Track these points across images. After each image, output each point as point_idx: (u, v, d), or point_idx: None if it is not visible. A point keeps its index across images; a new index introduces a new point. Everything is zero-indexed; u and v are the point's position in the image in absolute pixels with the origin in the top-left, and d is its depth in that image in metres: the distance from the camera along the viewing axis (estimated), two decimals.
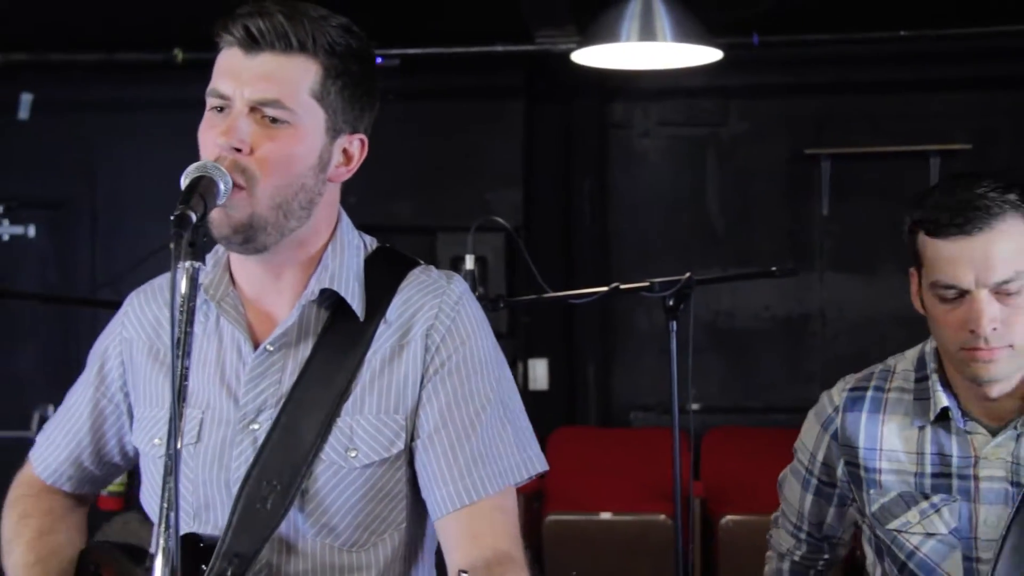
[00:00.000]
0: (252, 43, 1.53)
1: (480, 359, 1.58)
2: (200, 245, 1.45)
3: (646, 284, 2.87)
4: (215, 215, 1.48)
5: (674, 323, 2.85)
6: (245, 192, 1.53)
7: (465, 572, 1.34)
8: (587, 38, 3.64)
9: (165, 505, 1.35)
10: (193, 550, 1.52)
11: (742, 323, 5.38)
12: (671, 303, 2.85)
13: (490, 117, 5.30)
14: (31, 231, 5.63)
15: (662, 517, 4.41)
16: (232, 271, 1.63)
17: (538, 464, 1.60)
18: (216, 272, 1.63)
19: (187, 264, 1.42)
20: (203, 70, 5.58)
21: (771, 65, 5.21)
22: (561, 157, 5.44)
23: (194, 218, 1.46)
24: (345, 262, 1.60)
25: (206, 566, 1.53)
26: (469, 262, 3.02)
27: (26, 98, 5.50)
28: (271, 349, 1.58)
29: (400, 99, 5.36)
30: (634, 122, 5.47)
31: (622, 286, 2.84)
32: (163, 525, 1.35)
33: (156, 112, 5.48)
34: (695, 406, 5.32)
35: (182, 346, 1.39)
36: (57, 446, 1.76)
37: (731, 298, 5.33)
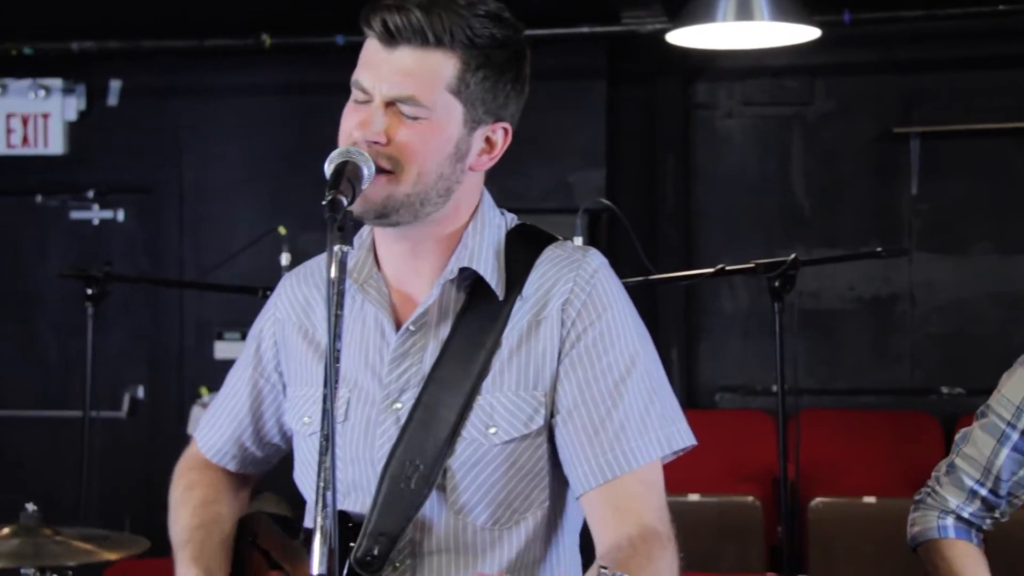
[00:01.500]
0: (390, 37, 1.53)
1: (618, 332, 1.57)
2: (349, 229, 1.48)
3: (751, 265, 2.85)
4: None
5: (779, 304, 2.84)
6: (387, 177, 1.54)
7: (605, 568, 1.29)
8: (682, 18, 3.61)
9: (322, 484, 1.38)
10: (342, 528, 1.53)
11: (828, 304, 5.33)
12: (776, 284, 2.83)
13: (572, 99, 5.29)
14: (120, 215, 5.73)
15: (750, 499, 4.39)
16: (377, 254, 1.65)
17: (684, 439, 1.58)
18: (361, 255, 1.65)
19: (337, 248, 1.44)
20: (291, 54, 5.69)
21: (858, 42, 5.14)
22: (644, 138, 5.42)
23: (345, 202, 1.49)
24: (485, 241, 1.61)
25: (353, 544, 1.55)
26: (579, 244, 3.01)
27: (115, 85, 5.60)
28: (412, 329, 1.59)
29: None
30: (718, 102, 5.43)
31: (728, 267, 2.83)
32: (320, 504, 1.38)
33: (243, 97, 5.55)
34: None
35: (334, 328, 1.42)
36: (220, 426, 1.80)
37: (816, 279, 5.27)
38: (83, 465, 3.23)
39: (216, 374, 5.58)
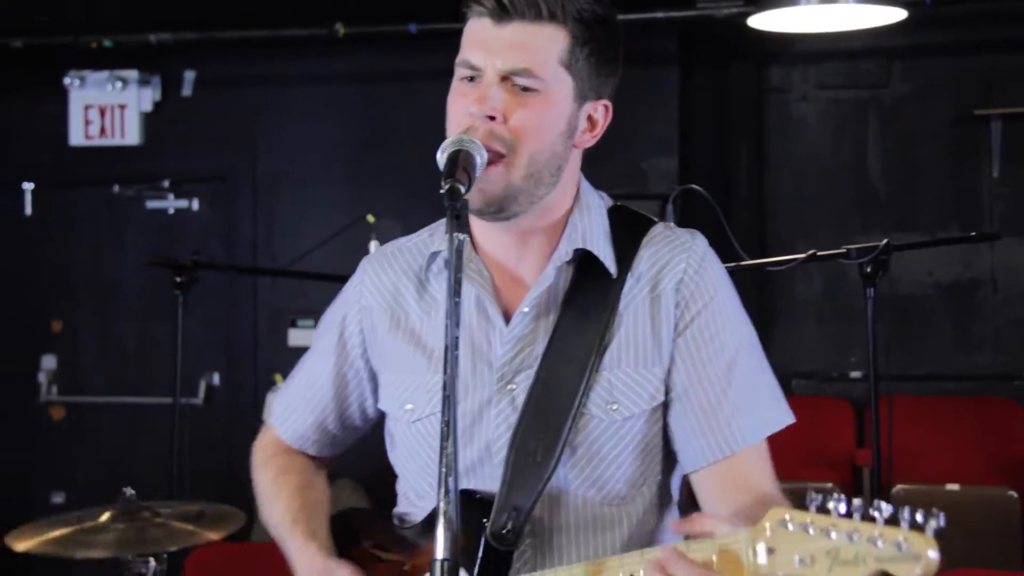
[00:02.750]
0: (503, 12, 1.54)
1: (728, 312, 1.61)
2: (465, 217, 1.49)
3: (842, 251, 2.83)
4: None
5: (872, 290, 2.81)
6: (502, 163, 1.55)
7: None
8: (763, 2, 3.58)
9: (443, 471, 1.39)
10: (469, 503, 1.56)
11: (906, 289, 5.27)
12: (868, 270, 2.81)
13: (644, 84, 5.26)
14: (195, 204, 5.80)
15: (829, 485, 4.37)
16: (474, 238, 1.66)
17: (789, 416, 1.63)
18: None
19: (456, 236, 1.46)
20: (364, 43, 5.70)
21: (936, 24, 5.06)
22: (717, 123, 5.38)
23: (463, 190, 1.50)
24: (593, 221, 1.64)
25: (487, 520, 1.57)
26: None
27: (189, 75, 5.66)
28: (526, 311, 1.61)
29: None
30: (792, 86, 5.37)
31: (820, 252, 2.81)
32: (443, 490, 1.39)
33: (316, 86, 5.58)
34: (857, 374, 5.23)
35: (455, 316, 1.43)
36: (301, 413, 1.83)
37: (894, 265, 5.21)
38: (173, 450, 3.27)
39: (290, 361, 5.61)
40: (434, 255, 1.69)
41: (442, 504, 1.39)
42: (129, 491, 2.96)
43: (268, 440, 1.90)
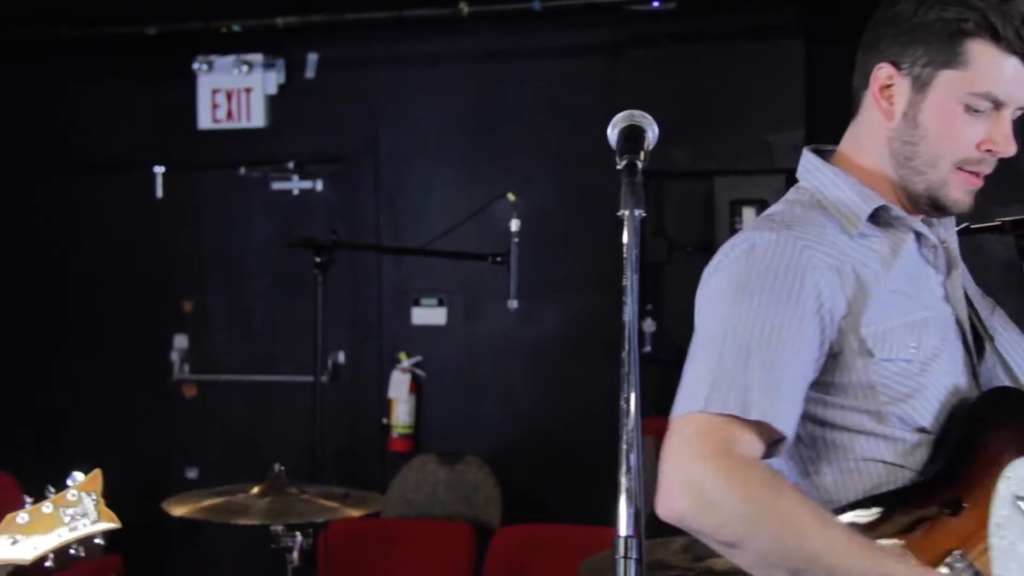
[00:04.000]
0: None
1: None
2: (639, 192, 1.49)
3: (997, 223, 2.73)
4: (961, 200, 1.83)
5: None
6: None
7: None
8: None
9: (625, 447, 1.40)
10: None
11: None
12: None
13: (770, 57, 5.17)
14: (319, 185, 5.89)
15: None
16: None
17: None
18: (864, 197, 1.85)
19: (634, 212, 1.45)
20: (488, 22, 5.69)
21: None
22: (844, 96, 5.25)
23: (640, 165, 1.50)
24: None
25: None
26: None
27: (312, 58, 5.74)
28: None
29: (675, 42, 5.31)
30: None
31: (972, 226, 2.72)
32: (624, 466, 1.39)
33: (438, 65, 5.62)
34: None
35: (635, 291, 1.43)
36: (792, 397, 1.69)
37: None
38: (315, 427, 3.34)
39: (414, 340, 5.74)
40: (880, 209, 1.82)
41: (624, 480, 1.39)
42: (278, 467, 3.04)
43: (732, 440, 1.66)
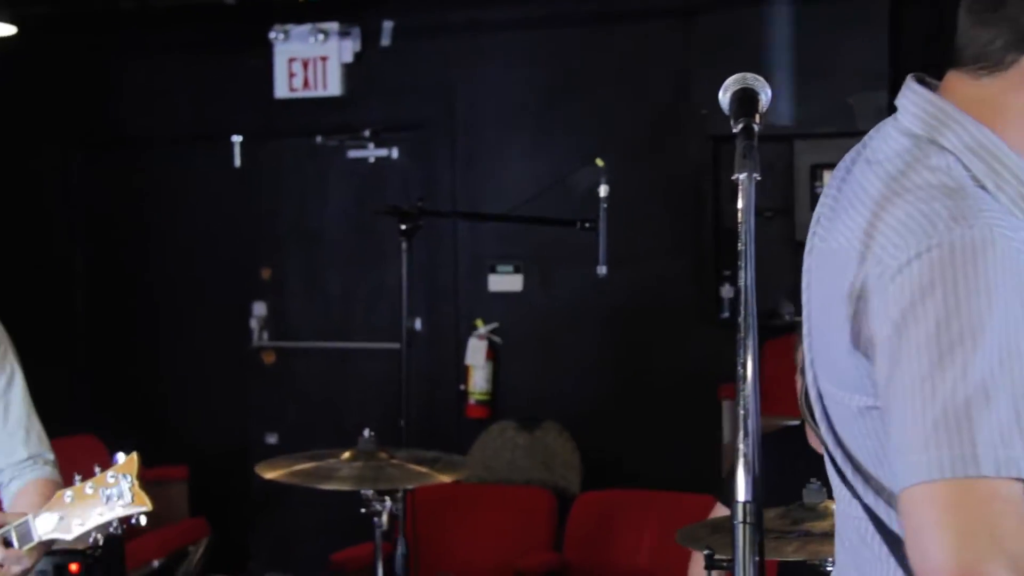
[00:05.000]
0: None
1: None
2: (756, 156, 1.47)
3: None
4: None
5: None
6: None
7: None
8: None
9: (742, 412, 1.38)
10: None
11: None
12: None
13: (852, 17, 5.08)
14: (395, 153, 5.91)
15: None
16: None
17: None
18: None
19: (750, 176, 1.43)
20: None
21: None
22: (928, 56, 5.16)
23: (757, 129, 1.47)
24: None
25: None
26: None
27: (387, 26, 5.74)
28: None
29: (751, 3, 5.23)
30: None
31: None
32: (742, 432, 1.39)
33: (513, 31, 5.60)
34: None
35: (745, 258, 1.42)
36: None
37: None
38: (403, 394, 3.37)
39: (490, 306, 5.75)
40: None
41: (742, 446, 1.38)
42: (368, 432, 3.07)
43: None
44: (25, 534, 1.88)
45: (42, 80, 6.06)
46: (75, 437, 4.58)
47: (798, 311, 1.63)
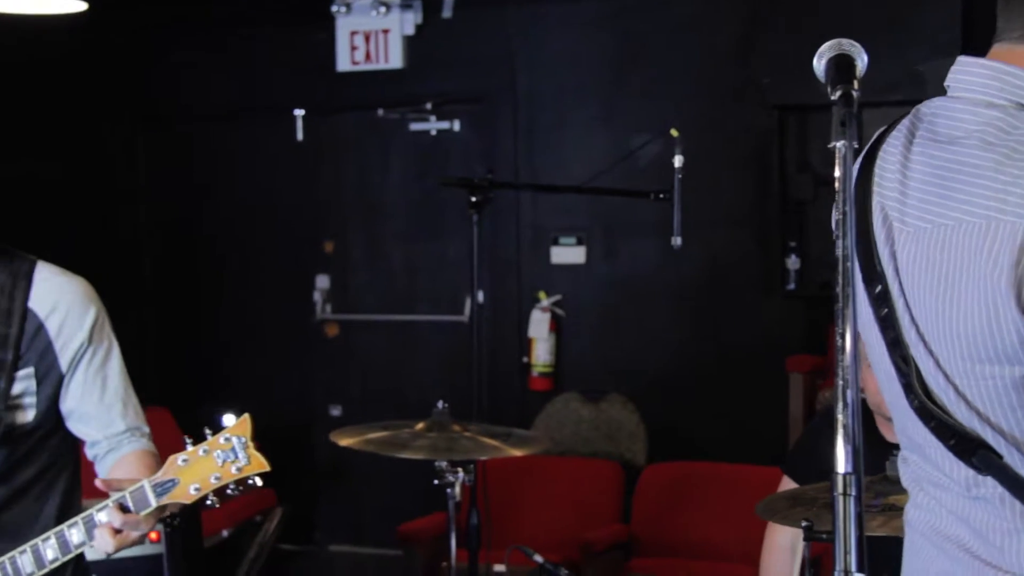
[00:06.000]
0: None
1: None
2: (853, 125, 1.44)
3: None
4: None
5: None
6: None
7: None
8: None
9: (841, 382, 1.37)
10: None
11: None
12: None
13: None
14: (456, 125, 5.90)
15: None
16: None
17: None
18: None
19: (848, 144, 1.41)
20: None
21: None
22: None
23: (856, 95, 1.45)
24: None
25: None
26: None
27: None
28: None
29: None
30: None
31: None
32: (841, 402, 1.37)
33: (573, 2, 5.56)
34: None
35: (843, 226, 1.39)
36: None
37: None
38: (474, 367, 3.38)
39: (553, 278, 5.74)
40: None
41: (841, 417, 1.37)
42: (442, 404, 3.08)
43: None
44: (141, 499, 1.88)
45: (110, 55, 6.12)
46: (147, 409, 4.63)
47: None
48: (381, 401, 5.89)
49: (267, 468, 1.87)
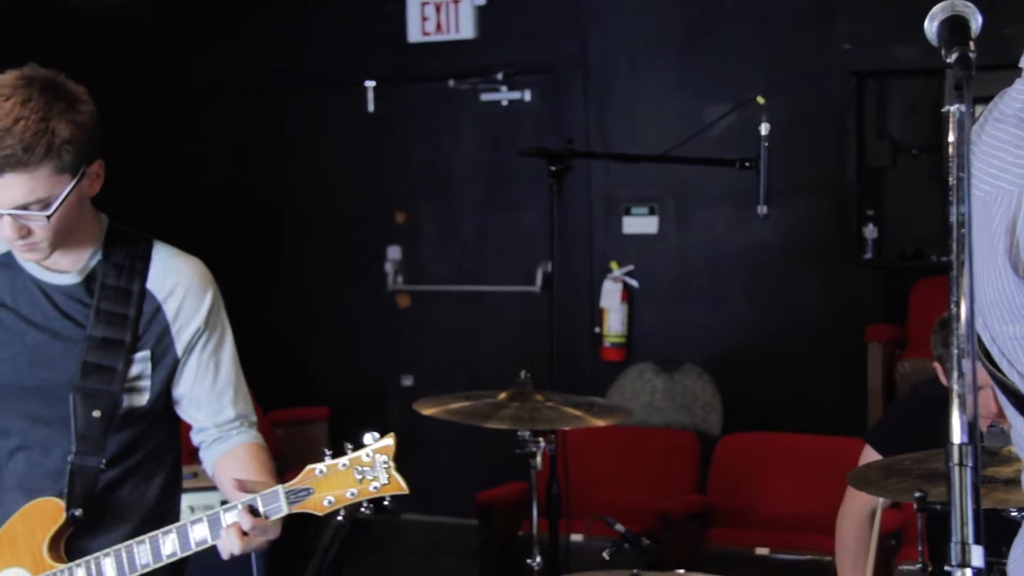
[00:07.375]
0: None
1: None
2: (969, 88, 1.41)
3: None
4: None
5: None
6: None
7: None
8: None
9: (955, 351, 1.34)
10: None
11: None
12: None
13: None
14: (527, 95, 5.88)
15: None
16: None
17: None
18: None
19: (960, 108, 1.38)
20: None
21: None
22: None
23: (973, 58, 1.41)
24: None
25: None
26: None
27: None
28: None
29: None
30: None
31: None
32: (956, 371, 1.34)
33: None
34: None
35: (957, 192, 1.36)
36: None
37: None
38: (552, 337, 3.38)
39: (624, 249, 5.71)
40: None
41: (956, 387, 1.34)
42: (524, 374, 3.08)
43: None
44: (273, 504, 1.84)
45: (185, 26, 6.17)
46: None
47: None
48: (453, 371, 5.92)
49: (405, 491, 1.84)
